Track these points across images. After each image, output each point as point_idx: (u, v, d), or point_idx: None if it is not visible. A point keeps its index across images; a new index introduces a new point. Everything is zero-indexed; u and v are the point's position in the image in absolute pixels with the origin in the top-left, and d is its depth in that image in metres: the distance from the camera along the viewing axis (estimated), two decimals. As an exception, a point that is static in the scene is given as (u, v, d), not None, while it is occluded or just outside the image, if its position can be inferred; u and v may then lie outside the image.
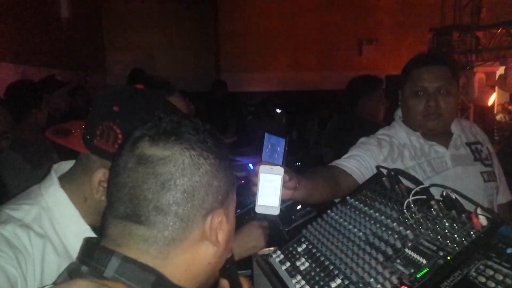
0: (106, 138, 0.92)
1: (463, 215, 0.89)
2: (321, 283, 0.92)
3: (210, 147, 0.68)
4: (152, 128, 0.67)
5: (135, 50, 7.37)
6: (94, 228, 0.97)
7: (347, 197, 1.17)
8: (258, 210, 1.03)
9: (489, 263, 0.78)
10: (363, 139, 1.58)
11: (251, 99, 6.31)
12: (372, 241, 0.96)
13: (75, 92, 3.87)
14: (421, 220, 0.95)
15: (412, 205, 0.98)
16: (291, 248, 1.10)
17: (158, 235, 0.65)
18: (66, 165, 1.05)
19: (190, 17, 7.86)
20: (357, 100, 2.85)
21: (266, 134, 1.14)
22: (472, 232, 0.85)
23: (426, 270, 0.81)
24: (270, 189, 1.02)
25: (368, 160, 1.46)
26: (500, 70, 5.59)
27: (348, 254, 0.95)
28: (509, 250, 0.79)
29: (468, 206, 0.93)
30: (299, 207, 1.70)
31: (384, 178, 1.13)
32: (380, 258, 0.89)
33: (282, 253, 1.10)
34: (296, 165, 3.13)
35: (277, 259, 1.09)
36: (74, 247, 0.85)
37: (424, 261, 0.83)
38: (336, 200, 1.27)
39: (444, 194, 0.94)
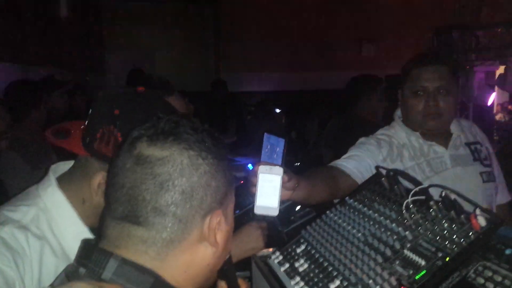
0: (106, 142, 0.92)
1: (462, 215, 0.89)
2: (320, 284, 0.92)
3: (208, 147, 0.67)
4: (150, 128, 0.67)
5: (134, 50, 7.36)
6: (92, 230, 0.97)
7: (346, 198, 1.17)
8: (257, 211, 1.03)
9: (488, 264, 0.78)
10: (362, 139, 1.58)
11: (250, 99, 6.31)
12: (371, 242, 0.96)
13: (74, 92, 3.86)
14: (420, 221, 0.94)
15: (411, 205, 0.98)
16: (290, 249, 1.10)
17: (156, 236, 0.64)
18: (64, 166, 1.05)
19: (190, 16, 7.86)
20: (356, 100, 2.85)
21: (265, 134, 1.14)
22: (471, 233, 0.85)
23: (425, 271, 0.81)
24: (269, 189, 1.01)
25: (367, 161, 1.46)
26: (500, 70, 5.58)
27: (347, 255, 0.95)
28: (508, 251, 0.79)
29: (467, 206, 0.93)
30: (298, 207, 1.70)
31: (383, 179, 1.13)
32: (379, 259, 0.89)
33: (281, 254, 1.10)
34: (295, 166, 3.13)
35: (276, 260, 1.09)
36: (72, 249, 0.85)
37: (423, 262, 0.83)
38: (335, 201, 1.27)
39: (443, 194, 0.94)
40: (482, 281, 0.76)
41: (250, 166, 2.31)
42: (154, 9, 7.63)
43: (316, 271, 0.97)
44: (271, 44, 7.73)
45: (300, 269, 1.00)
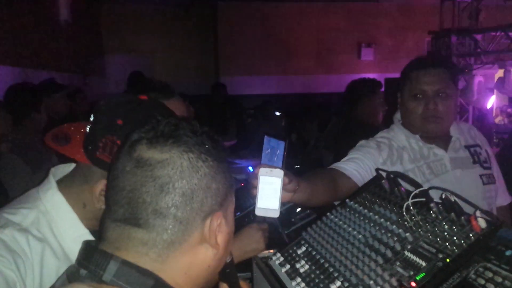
0: (109, 152, 0.91)
1: (462, 217, 0.89)
2: (321, 285, 0.93)
3: (208, 149, 0.67)
4: (150, 131, 0.67)
5: (134, 53, 7.38)
6: (92, 232, 0.97)
7: (347, 200, 1.17)
8: (258, 212, 1.03)
9: (488, 265, 0.79)
10: (362, 142, 1.58)
11: (250, 102, 6.32)
12: (371, 244, 0.96)
13: (74, 95, 3.87)
14: (421, 223, 0.95)
15: (411, 207, 0.98)
16: (291, 251, 1.11)
17: (157, 238, 0.64)
18: (64, 168, 1.05)
19: (190, 20, 7.88)
20: (356, 103, 2.86)
21: (265, 136, 1.14)
22: (471, 235, 0.86)
23: (425, 273, 0.82)
24: (269, 191, 1.02)
25: (367, 163, 1.46)
26: (499, 73, 5.61)
27: (347, 256, 0.95)
28: (508, 253, 0.79)
29: (467, 208, 0.93)
30: (298, 209, 1.70)
31: (383, 181, 1.14)
32: (380, 260, 0.89)
33: (282, 255, 1.11)
34: (295, 168, 3.13)
35: (277, 262, 1.09)
36: (73, 251, 0.85)
37: (424, 264, 0.84)
38: (336, 203, 1.27)
39: (443, 196, 0.95)
40: (482, 282, 0.76)
41: (250, 168, 2.31)
42: (154, 13, 7.66)
43: (317, 272, 0.97)
44: (270, 48, 7.76)
45: (301, 270, 1.01)
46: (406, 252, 0.88)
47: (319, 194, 1.27)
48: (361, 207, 1.11)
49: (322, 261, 1.00)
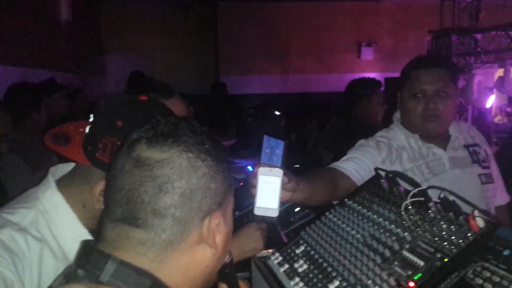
0: (109, 153, 0.91)
1: (461, 217, 0.90)
2: (320, 285, 0.93)
3: (207, 149, 0.67)
4: (149, 130, 0.67)
5: (134, 53, 7.38)
6: (92, 232, 0.97)
7: (346, 199, 1.18)
8: (256, 212, 1.03)
9: (486, 265, 0.79)
10: (361, 142, 1.58)
11: (250, 101, 6.32)
12: (370, 243, 0.96)
13: (74, 95, 3.88)
14: (419, 222, 0.95)
15: (410, 207, 0.98)
16: (289, 250, 1.11)
17: (155, 238, 0.64)
18: (63, 168, 1.05)
19: (189, 20, 7.88)
20: (355, 103, 2.86)
21: (265, 136, 1.14)
22: (469, 234, 0.86)
23: (423, 272, 0.82)
24: (269, 191, 1.02)
25: (366, 162, 1.46)
26: (499, 72, 5.61)
27: (346, 256, 0.96)
28: (506, 252, 0.79)
29: (466, 208, 0.93)
30: (297, 209, 1.70)
31: (382, 180, 1.14)
32: (378, 260, 0.89)
33: (281, 255, 1.11)
34: (294, 167, 3.13)
35: (276, 261, 1.09)
36: (72, 251, 0.85)
37: (422, 263, 0.84)
38: (335, 202, 1.28)
39: (442, 196, 0.95)
40: (480, 281, 0.76)
41: (250, 168, 2.31)
42: (153, 13, 7.66)
43: (316, 271, 0.97)
44: (270, 48, 7.75)
45: (300, 270, 1.01)
46: (404, 252, 0.89)
47: (318, 193, 1.27)
48: (360, 207, 1.12)
49: (320, 260, 1.00)
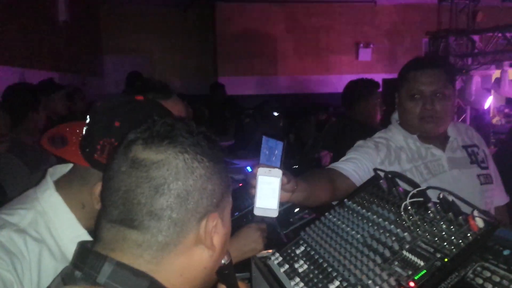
0: (107, 154, 0.91)
1: (460, 217, 0.90)
2: (320, 285, 0.93)
3: (204, 150, 0.67)
4: (146, 131, 0.66)
5: (133, 53, 7.38)
6: (91, 232, 0.97)
7: (345, 200, 1.18)
8: (256, 212, 1.03)
9: (486, 264, 0.79)
10: (360, 142, 1.59)
11: (249, 102, 6.32)
12: (370, 243, 0.96)
13: (73, 95, 3.87)
14: (418, 222, 0.95)
15: (409, 207, 0.98)
16: (289, 251, 1.11)
17: (152, 240, 0.64)
18: (62, 168, 1.05)
19: (188, 20, 7.88)
20: (354, 104, 2.87)
21: (263, 137, 1.14)
22: (469, 234, 0.86)
23: (423, 272, 0.82)
24: (268, 191, 1.02)
25: (365, 163, 1.47)
26: (496, 74, 5.62)
27: (346, 256, 0.96)
28: (505, 252, 0.79)
29: (465, 208, 0.94)
30: (296, 209, 1.70)
31: (381, 181, 1.14)
32: (378, 260, 0.89)
33: (281, 255, 1.11)
34: (293, 168, 3.13)
35: (276, 262, 1.09)
36: (71, 251, 0.84)
37: (422, 263, 0.84)
38: (334, 203, 1.28)
39: (441, 196, 0.95)
40: (480, 281, 0.77)
41: (249, 168, 2.32)
42: (153, 13, 7.66)
43: (316, 272, 0.97)
44: (268, 48, 7.76)
45: (300, 270, 1.01)
46: (404, 252, 0.89)
47: (317, 194, 1.28)
48: (359, 207, 1.12)
49: (320, 261, 1.00)
